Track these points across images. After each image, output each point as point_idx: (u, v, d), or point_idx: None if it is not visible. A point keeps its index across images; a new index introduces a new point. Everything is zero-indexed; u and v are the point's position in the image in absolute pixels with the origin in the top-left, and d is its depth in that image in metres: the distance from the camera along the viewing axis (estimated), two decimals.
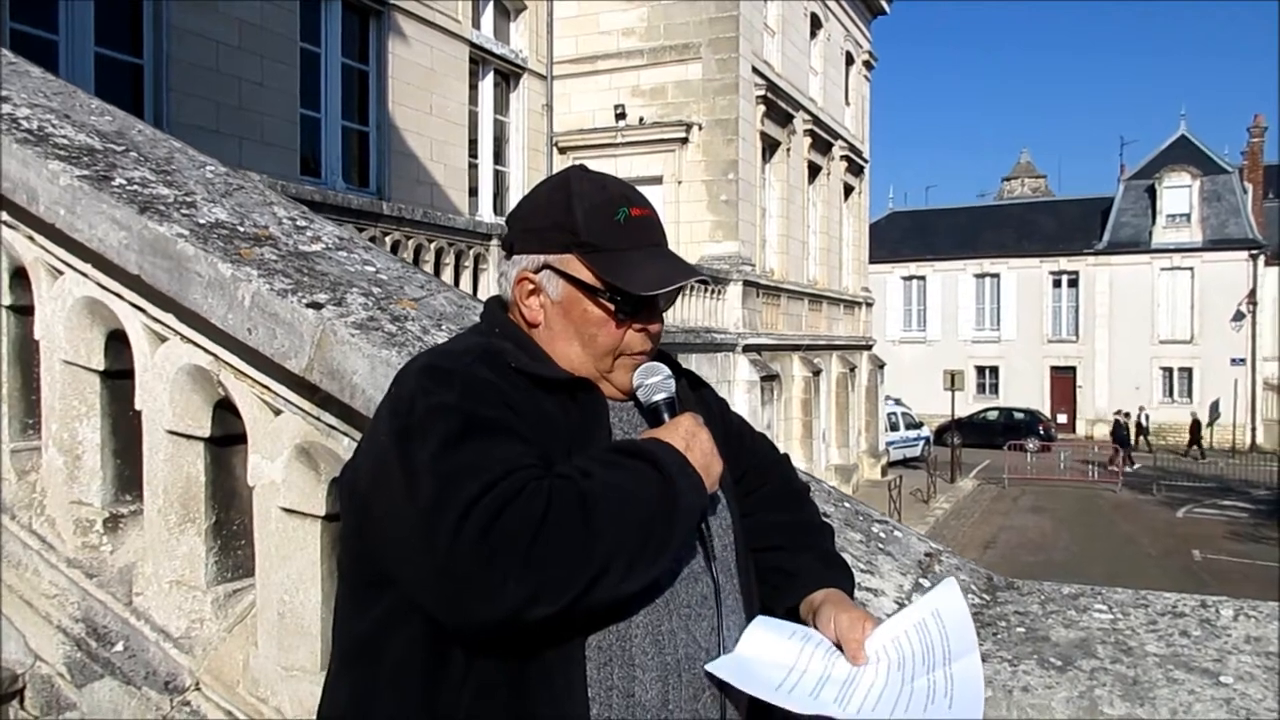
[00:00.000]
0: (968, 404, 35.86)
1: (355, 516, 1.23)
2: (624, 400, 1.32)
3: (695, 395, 1.42)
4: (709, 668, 1.18)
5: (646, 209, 1.31)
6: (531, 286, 1.29)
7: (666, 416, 1.26)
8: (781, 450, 1.60)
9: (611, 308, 1.26)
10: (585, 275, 1.26)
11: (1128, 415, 32.21)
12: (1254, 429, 36.03)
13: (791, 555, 1.39)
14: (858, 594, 1.57)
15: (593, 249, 1.25)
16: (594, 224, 1.26)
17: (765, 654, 1.23)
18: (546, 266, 1.28)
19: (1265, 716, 1.25)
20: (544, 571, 1.01)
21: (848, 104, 23.83)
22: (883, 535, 1.90)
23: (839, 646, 1.25)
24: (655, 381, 1.29)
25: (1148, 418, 34.93)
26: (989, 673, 1.39)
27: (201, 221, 2.20)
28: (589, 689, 1.12)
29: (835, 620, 1.27)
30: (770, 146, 18.64)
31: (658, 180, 16.52)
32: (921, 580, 1.75)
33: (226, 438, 2.22)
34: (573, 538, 1.03)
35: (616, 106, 16.81)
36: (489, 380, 1.17)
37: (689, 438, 1.19)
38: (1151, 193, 38.57)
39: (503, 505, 1.01)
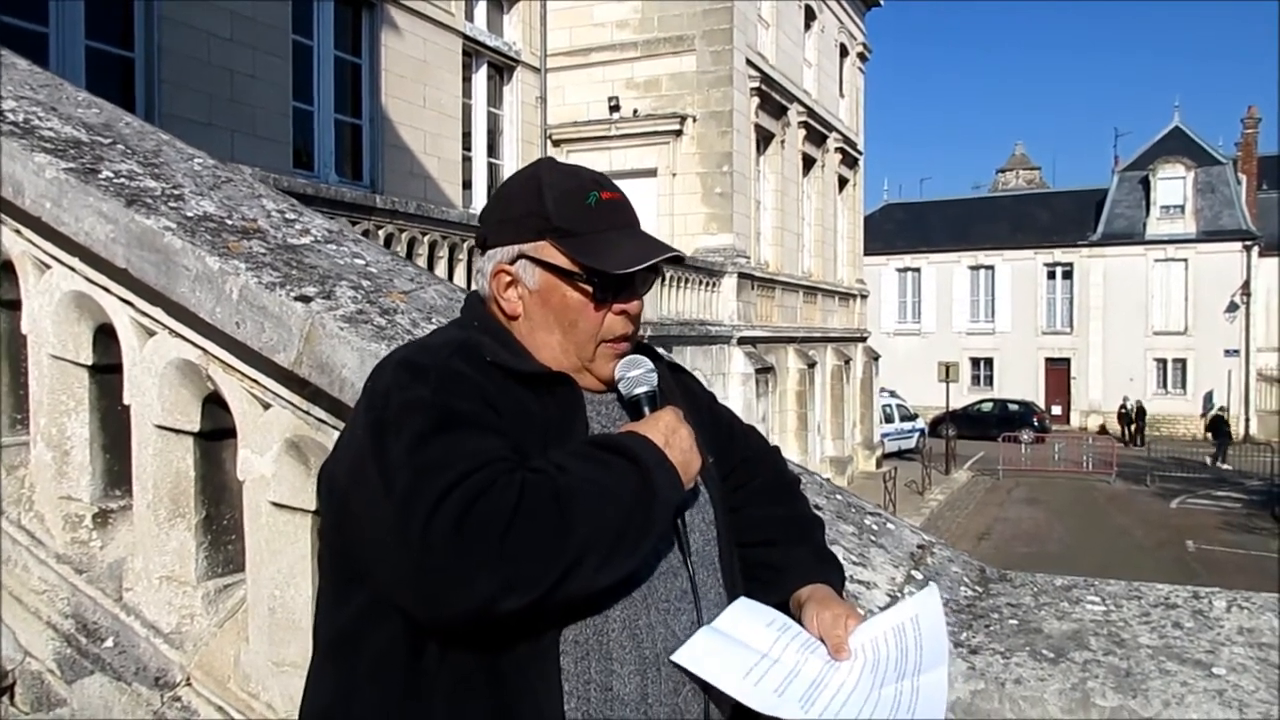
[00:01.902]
0: (962, 396, 35.91)
1: (335, 513, 1.22)
2: (605, 392, 1.31)
3: (676, 380, 1.41)
4: (673, 658, 1.17)
5: (617, 193, 1.31)
6: (509, 278, 1.28)
7: (647, 410, 1.26)
8: (776, 443, 1.60)
9: (589, 290, 1.25)
10: (560, 260, 1.25)
11: (1224, 409, 31.73)
12: (1247, 420, 36.13)
13: (781, 550, 1.38)
14: (850, 586, 1.57)
15: (566, 233, 1.25)
16: (565, 209, 1.26)
17: (741, 635, 1.22)
18: (522, 256, 1.27)
19: (1258, 708, 1.25)
20: (516, 563, 1.01)
21: (842, 96, 23.80)
22: (875, 528, 1.89)
23: (823, 641, 1.24)
24: (637, 374, 1.29)
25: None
26: (981, 665, 1.39)
27: (189, 214, 2.18)
28: (566, 683, 1.12)
29: (819, 616, 1.26)
30: (765, 139, 18.62)
31: (652, 173, 16.51)
32: (914, 572, 1.74)
33: (216, 432, 2.21)
34: (545, 530, 1.02)
35: (611, 99, 16.75)
36: (464, 374, 1.16)
37: (668, 433, 1.19)
38: (1145, 184, 38.59)
39: (475, 497, 1.01)
